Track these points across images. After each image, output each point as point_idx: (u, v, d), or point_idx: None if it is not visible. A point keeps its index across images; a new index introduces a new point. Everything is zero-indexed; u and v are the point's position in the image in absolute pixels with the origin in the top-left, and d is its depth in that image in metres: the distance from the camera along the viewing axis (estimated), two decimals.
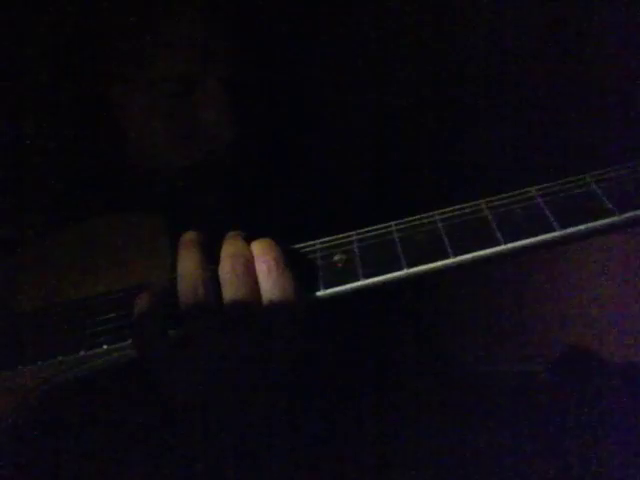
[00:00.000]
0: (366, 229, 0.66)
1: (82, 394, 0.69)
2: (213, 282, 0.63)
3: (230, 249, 0.65)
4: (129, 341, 0.66)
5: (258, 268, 0.64)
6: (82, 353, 0.66)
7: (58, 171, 0.82)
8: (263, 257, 0.64)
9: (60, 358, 0.67)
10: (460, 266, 0.62)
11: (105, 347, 0.66)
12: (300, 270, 0.65)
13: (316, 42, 0.81)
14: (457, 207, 0.65)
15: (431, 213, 0.65)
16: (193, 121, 0.82)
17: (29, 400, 0.67)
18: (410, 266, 0.62)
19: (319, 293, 0.64)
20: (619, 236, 0.81)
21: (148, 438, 0.72)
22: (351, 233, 0.66)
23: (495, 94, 0.79)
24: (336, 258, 0.65)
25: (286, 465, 0.72)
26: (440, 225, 0.64)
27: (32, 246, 0.80)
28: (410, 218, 0.66)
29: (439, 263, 0.62)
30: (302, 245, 0.68)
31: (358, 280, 0.63)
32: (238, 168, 0.84)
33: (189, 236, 0.67)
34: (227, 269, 0.63)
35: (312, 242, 0.67)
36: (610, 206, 0.59)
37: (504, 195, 0.64)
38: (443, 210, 0.65)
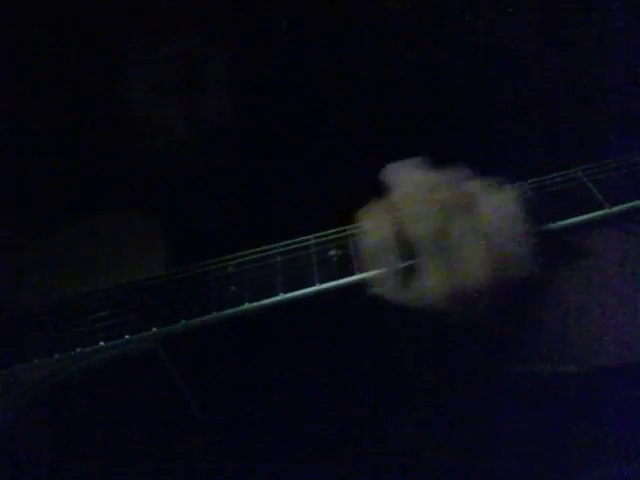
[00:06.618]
0: (359, 223, 0.67)
1: (80, 391, 0.69)
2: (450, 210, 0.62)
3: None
4: (126, 337, 0.66)
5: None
6: (79, 350, 0.67)
7: (58, 171, 0.83)
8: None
9: (57, 356, 0.67)
10: None
11: (102, 344, 0.67)
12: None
13: (314, 33, 0.81)
14: None
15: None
16: (196, 100, 0.82)
17: (27, 399, 0.67)
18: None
19: (314, 288, 0.64)
20: (618, 235, 0.81)
21: (148, 436, 0.72)
22: (345, 227, 0.67)
23: (491, 91, 0.79)
24: (331, 253, 0.66)
25: (286, 465, 0.72)
26: None
27: (32, 246, 0.80)
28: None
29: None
30: (297, 240, 0.68)
31: (353, 275, 0.64)
32: (234, 163, 0.84)
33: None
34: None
35: (307, 237, 0.68)
36: (601, 199, 0.60)
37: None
38: None
